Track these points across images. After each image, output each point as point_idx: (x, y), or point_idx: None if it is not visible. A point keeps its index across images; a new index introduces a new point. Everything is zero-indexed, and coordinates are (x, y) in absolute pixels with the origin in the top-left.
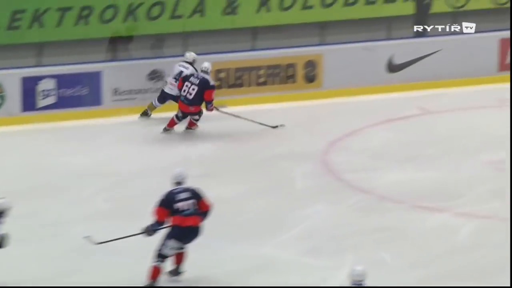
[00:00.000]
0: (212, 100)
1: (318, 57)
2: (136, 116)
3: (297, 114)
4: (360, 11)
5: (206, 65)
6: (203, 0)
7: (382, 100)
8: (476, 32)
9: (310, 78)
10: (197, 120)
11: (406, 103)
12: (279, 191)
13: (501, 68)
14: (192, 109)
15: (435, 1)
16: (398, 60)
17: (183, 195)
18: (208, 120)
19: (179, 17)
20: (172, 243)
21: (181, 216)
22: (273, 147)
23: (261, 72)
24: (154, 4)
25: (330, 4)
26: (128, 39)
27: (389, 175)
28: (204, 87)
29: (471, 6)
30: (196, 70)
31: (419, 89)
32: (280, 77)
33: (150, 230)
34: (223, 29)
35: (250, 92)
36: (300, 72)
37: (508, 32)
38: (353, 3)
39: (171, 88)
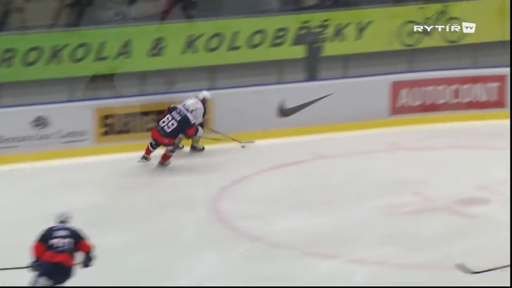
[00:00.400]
0: (194, 134)
1: (208, 102)
2: (16, 165)
3: (187, 160)
4: (251, 55)
5: (188, 103)
6: (88, 43)
7: (273, 145)
8: (367, 75)
9: (200, 123)
10: (172, 152)
11: (298, 148)
12: (168, 240)
13: (393, 112)
14: (166, 141)
15: (326, 44)
16: (289, 104)
17: (60, 233)
18: (98, 167)
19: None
20: (43, 280)
21: (53, 252)
22: (162, 194)
23: (150, 117)
24: (32, 49)
25: (215, 48)
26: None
27: (281, 221)
28: (184, 126)
29: (370, 48)
30: (205, 107)
31: (310, 134)
32: None
33: (34, 266)
34: (112, 74)
35: (138, 138)
36: None
37: (399, 76)
38: (238, 48)
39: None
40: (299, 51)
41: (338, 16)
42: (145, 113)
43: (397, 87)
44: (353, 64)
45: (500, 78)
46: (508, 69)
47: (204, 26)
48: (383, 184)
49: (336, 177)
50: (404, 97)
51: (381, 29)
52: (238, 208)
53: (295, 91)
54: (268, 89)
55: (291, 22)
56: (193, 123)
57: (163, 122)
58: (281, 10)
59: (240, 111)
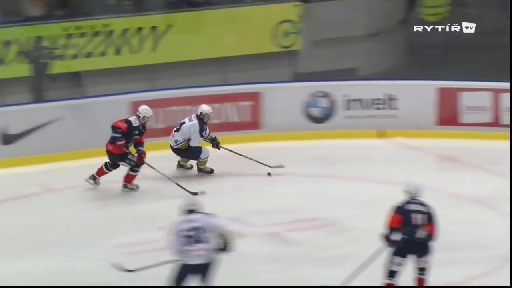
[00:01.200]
0: (118, 126)
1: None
2: None
3: None
4: None
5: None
6: None
7: None
8: (101, 95)
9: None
10: (130, 166)
11: (25, 179)
12: None
13: None
14: (109, 147)
15: (55, 61)
16: (12, 130)
17: None
18: None
19: None
20: None
21: None
22: None
23: None
24: None
25: None
26: None
27: (7, 266)
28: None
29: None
30: (205, 123)
31: (39, 163)
32: None
33: None
34: None
35: None
36: None
37: (139, 95)
38: None
39: (171, 138)
40: (23, 69)
41: (69, 28)
42: None
43: (137, 107)
44: (87, 82)
45: (253, 96)
46: (263, 85)
47: None
48: (122, 220)
49: (66, 213)
50: None
51: (119, 41)
52: None
53: (18, 115)
54: None
55: (14, 35)
56: (126, 119)
57: None
58: (2, 21)
59: None
